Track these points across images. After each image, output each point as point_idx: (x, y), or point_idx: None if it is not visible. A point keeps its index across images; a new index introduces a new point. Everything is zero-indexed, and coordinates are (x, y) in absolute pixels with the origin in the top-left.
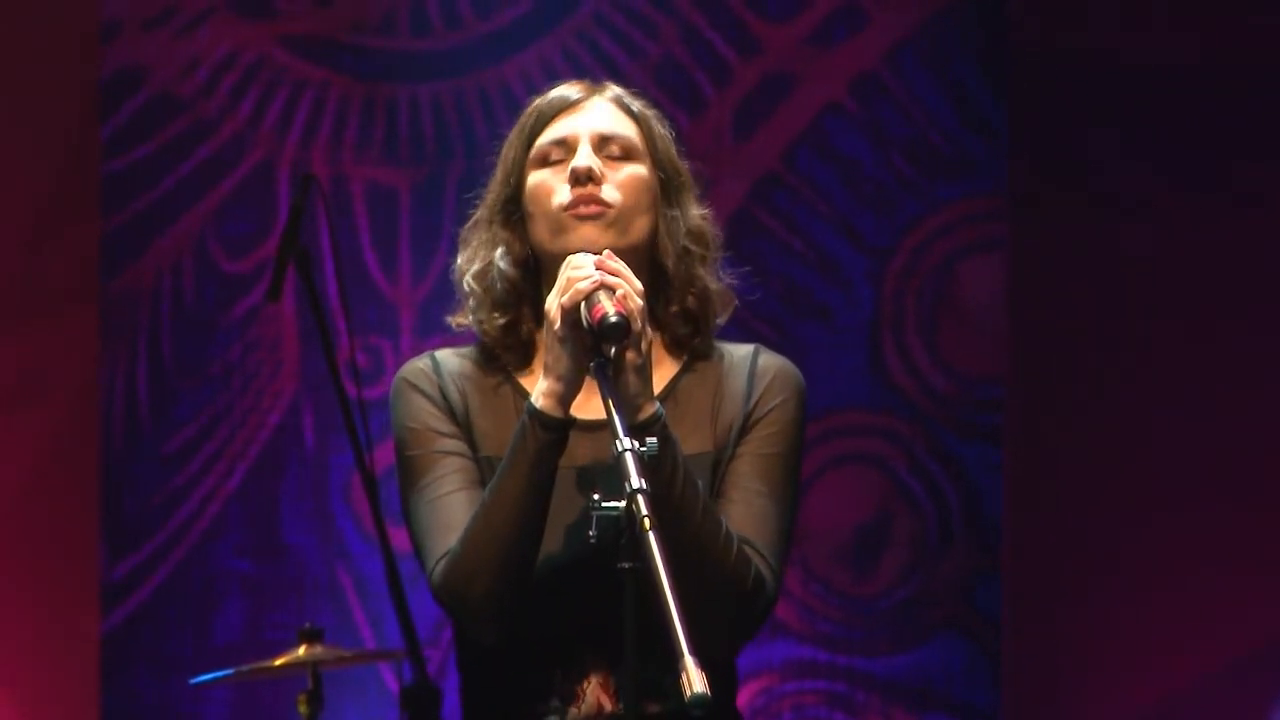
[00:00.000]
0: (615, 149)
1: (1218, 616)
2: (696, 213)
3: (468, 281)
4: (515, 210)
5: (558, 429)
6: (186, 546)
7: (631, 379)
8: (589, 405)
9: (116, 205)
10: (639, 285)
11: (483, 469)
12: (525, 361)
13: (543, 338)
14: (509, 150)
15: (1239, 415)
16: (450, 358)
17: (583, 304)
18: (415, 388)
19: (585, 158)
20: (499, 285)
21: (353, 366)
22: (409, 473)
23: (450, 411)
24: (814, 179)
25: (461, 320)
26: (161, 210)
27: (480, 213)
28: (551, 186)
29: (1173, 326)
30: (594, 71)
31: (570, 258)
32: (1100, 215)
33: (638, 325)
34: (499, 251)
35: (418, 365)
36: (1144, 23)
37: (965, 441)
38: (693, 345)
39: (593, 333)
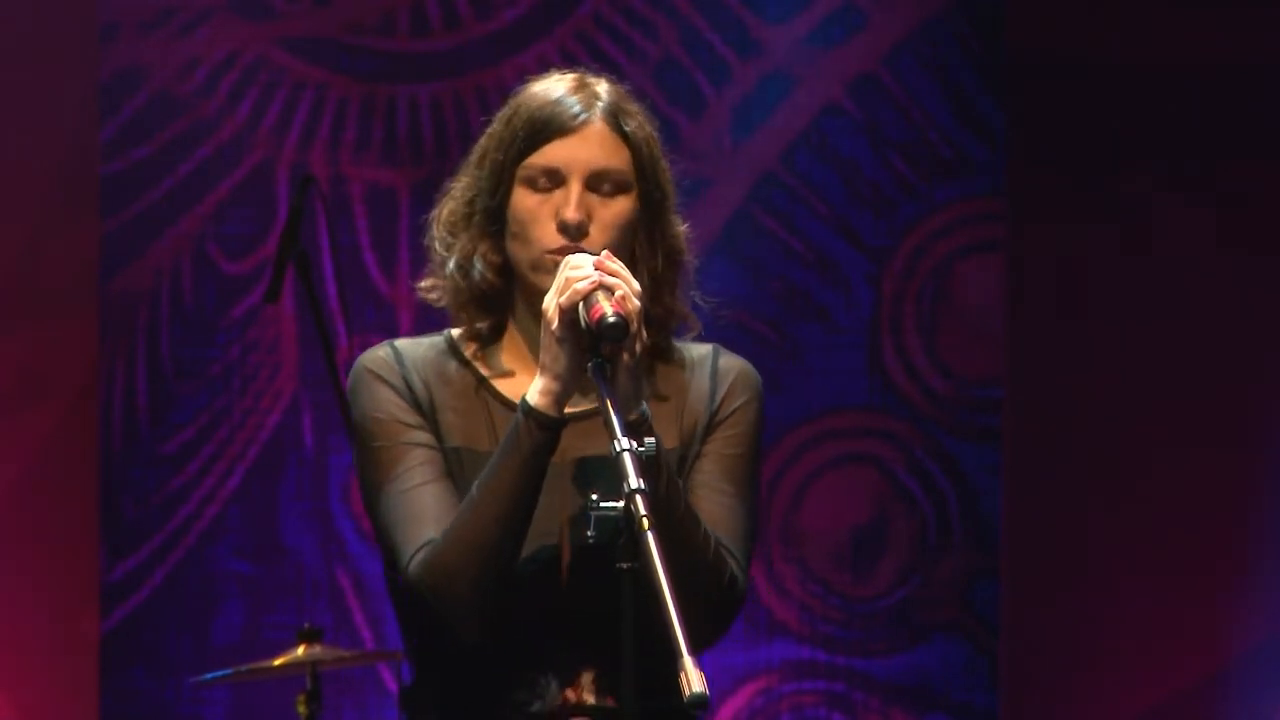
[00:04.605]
0: (607, 186)
1: (1216, 617)
2: (675, 231)
3: (451, 274)
4: (497, 221)
5: (553, 427)
6: (185, 547)
7: (624, 380)
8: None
9: (116, 206)
10: (637, 286)
11: (450, 460)
12: (488, 352)
13: (510, 332)
14: (496, 152)
15: (1237, 415)
16: (411, 347)
17: (580, 304)
18: (378, 377)
19: (575, 209)
20: (482, 289)
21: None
22: (376, 465)
23: (415, 402)
24: (813, 180)
25: (430, 290)
26: (161, 211)
27: (460, 205)
28: (537, 219)
29: (1170, 328)
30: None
31: (569, 258)
32: (1098, 216)
33: (635, 326)
34: (479, 257)
35: (378, 354)
36: (1141, 24)
37: (964, 442)
38: (652, 348)
39: (590, 333)
